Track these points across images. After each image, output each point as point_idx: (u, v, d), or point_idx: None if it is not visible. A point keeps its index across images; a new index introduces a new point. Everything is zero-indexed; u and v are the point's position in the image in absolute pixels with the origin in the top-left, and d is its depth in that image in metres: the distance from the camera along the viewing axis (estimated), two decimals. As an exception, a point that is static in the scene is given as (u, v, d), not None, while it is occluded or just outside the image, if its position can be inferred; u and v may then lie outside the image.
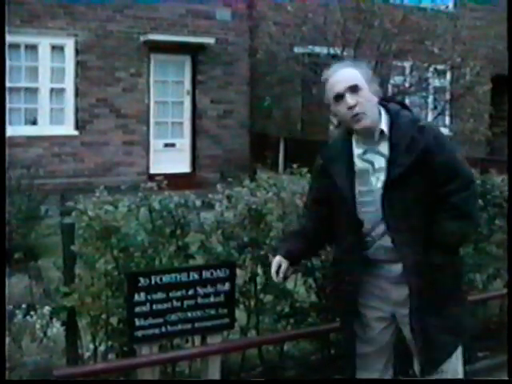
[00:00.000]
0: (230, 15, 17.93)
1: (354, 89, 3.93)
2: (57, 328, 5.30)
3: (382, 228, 4.02)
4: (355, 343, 4.23)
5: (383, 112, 4.07)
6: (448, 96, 18.78)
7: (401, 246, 3.98)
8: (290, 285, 5.71)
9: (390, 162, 3.95)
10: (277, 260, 4.31)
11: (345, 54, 16.06)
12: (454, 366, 4.25)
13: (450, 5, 20.92)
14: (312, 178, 4.51)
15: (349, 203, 4.05)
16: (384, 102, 4.14)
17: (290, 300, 5.65)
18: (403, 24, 15.70)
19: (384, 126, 4.02)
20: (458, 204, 3.98)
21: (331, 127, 17.72)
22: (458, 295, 4.22)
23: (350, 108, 3.94)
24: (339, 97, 3.97)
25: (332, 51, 16.17)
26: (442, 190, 3.98)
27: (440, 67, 17.87)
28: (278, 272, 4.27)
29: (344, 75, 3.98)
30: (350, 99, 3.93)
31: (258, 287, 5.53)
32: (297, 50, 17.54)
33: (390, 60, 16.35)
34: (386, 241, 4.03)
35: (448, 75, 19.45)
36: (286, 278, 4.38)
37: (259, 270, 5.50)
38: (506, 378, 5.61)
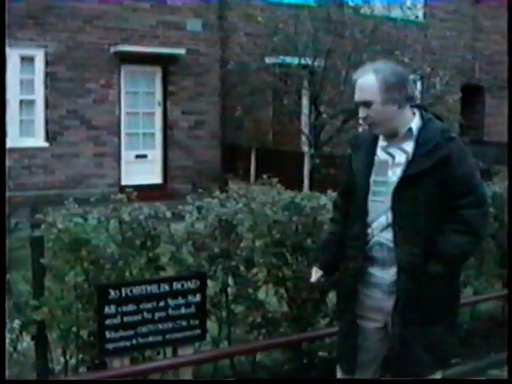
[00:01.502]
0: (201, 26, 17.91)
1: (365, 104, 4.07)
2: (27, 342, 5.26)
3: (383, 221, 4.08)
4: (356, 332, 4.22)
5: (417, 114, 4.17)
6: (418, 105, 18.86)
7: (400, 243, 4.01)
8: (261, 295, 5.71)
9: (411, 159, 4.04)
10: (314, 270, 4.51)
11: (316, 64, 16.13)
12: None
13: (420, 15, 21.05)
14: (343, 171, 4.62)
15: (363, 190, 4.15)
16: (421, 108, 4.25)
17: (261, 310, 5.64)
18: (373, 34, 15.81)
19: (414, 125, 4.12)
20: (468, 219, 4.00)
21: (303, 137, 17.80)
22: (446, 315, 4.17)
23: (362, 119, 4.13)
24: (357, 105, 4.16)
25: (303, 61, 16.22)
26: (455, 202, 4.01)
27: (410, 77, 17.96)
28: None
29: (361, 87, 4.09)
30: (361, 112, 4.12)
31: (230, 298, 5.53)
32: (268, 60, 17.57)
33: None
34: (384, 237, 4.07)
35: (418, 85, 19.58)
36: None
37: (230, 281, 5.50)
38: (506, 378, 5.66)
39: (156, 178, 17.61)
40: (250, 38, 17.46)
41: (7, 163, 14.93)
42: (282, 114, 17.79)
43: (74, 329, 4.93)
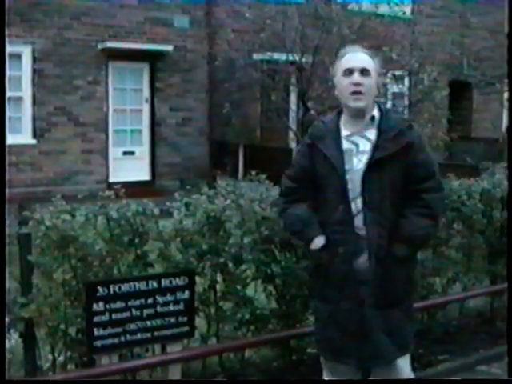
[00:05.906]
0: (189, 22, 17.89)
1: (364, 72, 4.20)
2: (15, 339, 5.23)
3: (353, 209, 4.16)
4: (361, 319, 4.18)
5: (376, 107, 4.33)
6: (406, 101, 18.93)
7: (371, 225, 4.11)
8: (250, 292, 5.70)
9: (376, 145, 4.16)
10: (317, 240, 4.27)
11: (303, 60, 16.12)
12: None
13: (408, 11, 21.06)
14: (299, 158, 4.51)
15: (341, 176, 4.17)
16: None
17: (250, 307, 5.63)
18: (361, 30, 15.80)
19: (376, 113, 4.28)
20: (429, 203, 4.18)
21: (291, 134, 17.80)
22: (404, 300, 4.29)
23: (355, 84, 4.18)
24: (350, 72, 4.21)
25: (291, 58, 16.21)
26: (416, 186, 4.18)
27: (398, 73, 18.00)
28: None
29: (362, 57, 4.27)
30: (357, 77, 4.18)
31: (218, 294, 5.52)
32: (255, 56, 17.53)
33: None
34: (355, 226, 4.15)
35: (406, 81, 19.62)
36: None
37: (218, 278, 5.49)
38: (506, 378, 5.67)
39: (144, 175, 17.58)
40: (237, 34, 17.40)
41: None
42: (269, 111, 17.76)
43: (62, 326, 4.92)
